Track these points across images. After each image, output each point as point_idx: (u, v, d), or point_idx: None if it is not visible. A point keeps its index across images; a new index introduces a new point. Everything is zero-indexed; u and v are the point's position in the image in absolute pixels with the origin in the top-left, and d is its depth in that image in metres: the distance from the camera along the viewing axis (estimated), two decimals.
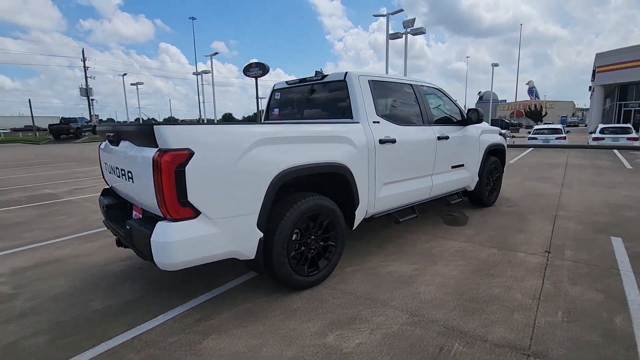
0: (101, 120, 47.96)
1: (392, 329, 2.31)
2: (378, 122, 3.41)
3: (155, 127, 2.08)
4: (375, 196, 3.38)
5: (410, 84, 4.00)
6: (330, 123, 3.26)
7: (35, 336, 2.33)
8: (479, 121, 4.52)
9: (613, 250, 3.55)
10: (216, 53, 31.41)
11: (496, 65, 31.40)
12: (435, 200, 4.38)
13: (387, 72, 19.44)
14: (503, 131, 5.80)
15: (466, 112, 4.55)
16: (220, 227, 2.29)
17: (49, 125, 31.08)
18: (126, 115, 42.83)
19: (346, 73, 3.42)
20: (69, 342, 2.26)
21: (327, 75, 3.64)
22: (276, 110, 4.27)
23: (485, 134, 4.99)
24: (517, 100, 54.95)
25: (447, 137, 4.16)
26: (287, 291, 2.83)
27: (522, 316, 2.42)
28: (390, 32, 19.53)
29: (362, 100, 3.33)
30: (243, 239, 2.41)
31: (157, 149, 2.11)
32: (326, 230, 2.97)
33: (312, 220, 2.84)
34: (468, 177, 4.76)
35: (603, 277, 2.97)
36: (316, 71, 3.78)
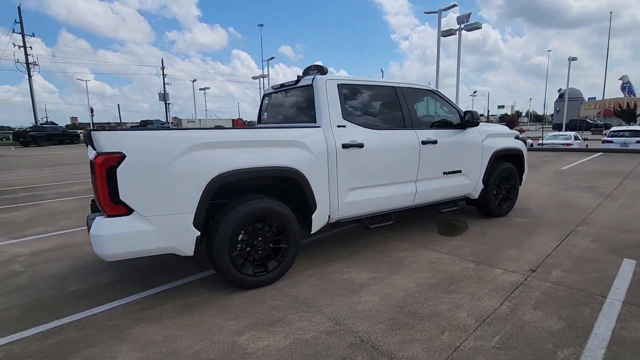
0: (179, 121, 52.73)
1: (307, 336, 2.31)
2: (344, 126, 3.37)
3: (92, 132, 2.35)
4: (339, 201, 3.35)
5: (393, 87, 3.85)
6: (291, 128, 3.31)
7: (14, 308, 2.76)
8: (475, 124, 4.20)
9: (616, 274, 3.06)
10: (272, 58, 32.78)
11: (574, 59, 27.89)
12: (431, 207, 4.17)
13: (437, 70, 18.59)
14: (521, 135, 5.28)
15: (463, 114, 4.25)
16: (154, 224, 2.49)
17: (131, 127, 35.27)
18: (194, 116, 46.81)
19: (314, 78, 3.44)
20: (33, 316, 2.64)
21: (300, 79, 3.69)
22: (265, 115, 4.42)
23: (492, 138, 4.60)
24: (606, 98, 48.43)
25: (434, 142, 3.94)
26: (233, 289, 2.95)
27: (450, 337, 2.24)
28: (445, 28, 18.61)
29: (326, 104, 3.32)
30: (179, 237, 2.59)
31: (95, 152, 2.38)
32: (277, 233, 3.03)
33: (259, 222, 2.92)
34: (468, 184, 4.43)
35: (579, 303, 2.60)
36: (298, 75, 3.83)
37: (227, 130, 2.87)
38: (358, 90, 3.64)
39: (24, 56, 32.50)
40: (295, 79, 3.88)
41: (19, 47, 32.29)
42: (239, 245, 2.86)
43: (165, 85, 46.72)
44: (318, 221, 3.26)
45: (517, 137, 5.03)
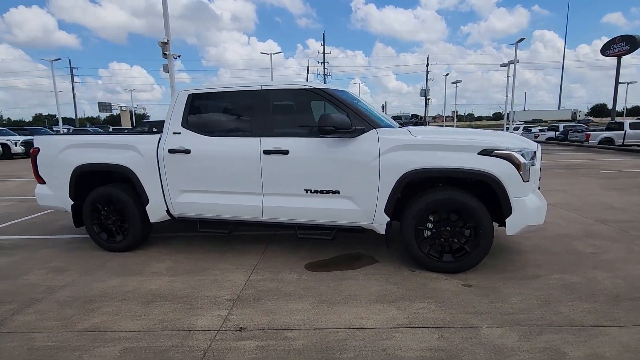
0: (430, 118, 53.80)
1: None
2: (179, 133, 3.70)
3: (34, 136, 4.25)
4: (172, 200, 3.77)
5: (253, 91, 3.57)
6: (133, 134, 4.01)
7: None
8: (330, 131, 3.08)
9: None
10: (521, 40, 26.64)
11: None
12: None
13: None
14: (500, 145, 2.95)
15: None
16: (53, 191, 4.14)
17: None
18: (443, 111, 45.82)
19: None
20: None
21: None
22: None
23: (408, 152, 3.10)
24: None
25: (284, 152, 3.35)
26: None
27: None
28: None
29: (170, 114, 3.78)
30: (64, 201, 4.11)
31: None
32: (121, 214, 3.95)
33: (109, 204, 3.96)
34: (355, 212, 3.31)
35: None
36: None
37: (89, 136, 4.07)
38: (209, 98, 3.75)
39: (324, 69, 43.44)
40: None
41: (320, 62, 43.55)
42: (96, 215, 4.02)
43: (428, 81, 48.65)
44: (154, 213, 3.85)
45: (497, 150, 2.99)
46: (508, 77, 28.42)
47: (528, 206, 3.02)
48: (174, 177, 3.70)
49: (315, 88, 3.47)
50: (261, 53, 38.60)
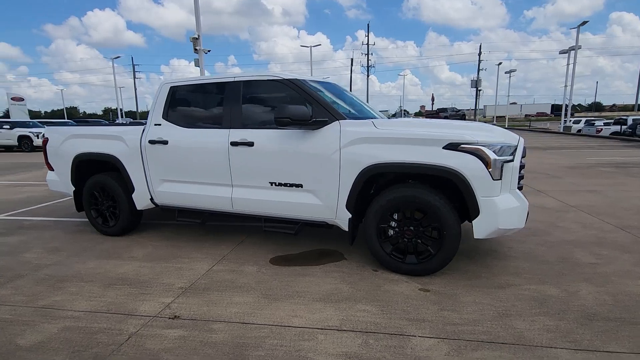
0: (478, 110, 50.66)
1: None
2: (159, 125, 3.84)
3: (45, 127, 4.64)
4: (154, 188, 3.93)
5: (227, 82, 3.57)
6: (123, 126, 4.20)
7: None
8: (287, 123, 2.97)
9: None
10: (584, 23, 23.89)
11: None
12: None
13: None
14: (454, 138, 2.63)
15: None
16: (60, 178, 4.51)
17: (416, 113, 38.09)
18: (495, 102, 42.79)
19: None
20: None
21: None
22: None
23: (366, 145, 2.93)
24: None
25: (250, 144, 3.34)
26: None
27: None
28: None
29: (154, 106, 3.92)
30: (68, 187, 4.46)
31: None
32: (113, 200, 4.20)
33: (103, 191, 4.23)
34: (318, 207, 3.21)
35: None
36: None
37: (87, 127, 4.35)
38: (188, 90, 3.82)
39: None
40: None
41: (364, 54, 42.72)
42: (96, 201, 4.33)
43: (480, 71, 45.72)
44: (139, 201, 4.05)
45: (463, 145, 2.71)
46: (568, 65, 25.77)
47: (499, 207, 2.71)
48: (155, 167, 3.85)
49: (283, 79, 3.39)
50: (301, 46, 38.07)
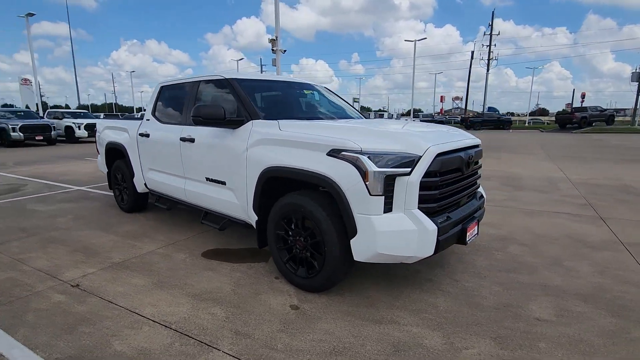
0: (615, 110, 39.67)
1: None
2: (149, 120, 4.39)
3: (96, 120, 5.75)
4: (144, 175, 4.53)
5: (196, 82, 3.84)
6: (129, 120, 4.84)
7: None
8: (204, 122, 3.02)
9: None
10: None
11: None
12: None
13: None
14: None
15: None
16: (101, 160, 5.57)
17: (557, 113, 31.85)
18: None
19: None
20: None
21: None
22: None
23: (267, 147, 2.80)
24: None
25: (192, 140, 3.57)
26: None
27: None
28: None
29: (149, 103, 4.50)
30: (104, 168, 5.48)
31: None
32: (125, 182, 4.99)
33: (121, 173, 5.06)
34: (236, 205, 3.23)
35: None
36: None
37: (114, 120, 5.19)
38: (173, 89, 4.23)
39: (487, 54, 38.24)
40: None
41: (486, 45, 38.35)
42: (117, 181, 5.22)
43: None
44: (138, 185, 4.71)
45: (344, 152, 2.35)
46: None
47: (376, 228, 2.28)
48: (142, 156, 4.43)
49: (224, 78, 3.49)
50: (405, 41, 35.75)
